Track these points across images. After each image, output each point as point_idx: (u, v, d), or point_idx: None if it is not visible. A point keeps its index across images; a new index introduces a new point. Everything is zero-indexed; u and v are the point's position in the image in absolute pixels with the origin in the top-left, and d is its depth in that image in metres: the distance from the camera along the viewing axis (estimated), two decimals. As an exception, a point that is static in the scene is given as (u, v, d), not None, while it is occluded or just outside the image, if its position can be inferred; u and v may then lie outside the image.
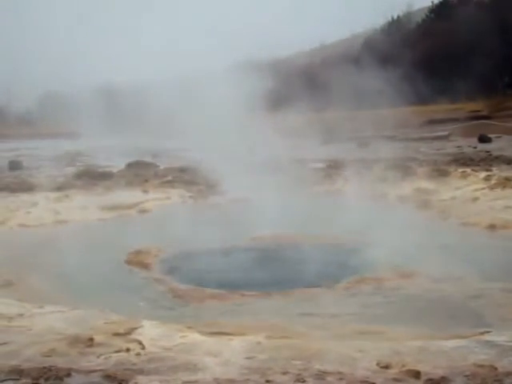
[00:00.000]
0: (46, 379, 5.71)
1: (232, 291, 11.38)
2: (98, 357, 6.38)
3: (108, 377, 5.78)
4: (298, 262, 13.23)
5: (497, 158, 27.26)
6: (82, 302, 10.09)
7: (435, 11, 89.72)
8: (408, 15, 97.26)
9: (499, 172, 21.86)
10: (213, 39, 24.86)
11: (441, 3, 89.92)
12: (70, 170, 28.50)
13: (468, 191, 20.40)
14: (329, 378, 5.74)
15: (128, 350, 6.60)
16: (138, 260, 13.93)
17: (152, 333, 7.28)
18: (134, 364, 6.17)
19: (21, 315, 8.17)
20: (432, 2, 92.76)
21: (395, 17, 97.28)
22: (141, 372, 5.93)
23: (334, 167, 25.24)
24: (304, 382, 5.66)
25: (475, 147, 36.14)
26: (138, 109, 22.42)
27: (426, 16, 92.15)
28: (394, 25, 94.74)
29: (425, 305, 10.28)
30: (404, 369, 5.89)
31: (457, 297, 10.57)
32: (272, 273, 12.65)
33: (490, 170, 22.44)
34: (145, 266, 13.46)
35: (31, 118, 32.12)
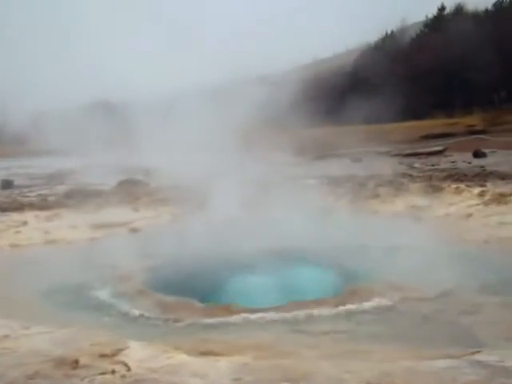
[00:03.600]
0: (28, 402, 5.62)
1: (220, 306, 11.30)
2: (83, 379, 6.26)
3: (91, 400, 5.69)
4: (287, 278, 13.12)
5: (491, 173, 27.21)
6: (67, 319, 10.04)
7: (430, 25, 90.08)
8: (402, 30, 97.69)
9: (493, 188, 21.77)
10: (204, 53, 24.88)
11: (435, 17, 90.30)
12: (61, 189, 28.51)
13: (462, 207, 20.30)
14: (315, 401, 5.64)
15: (113, 371, 6.49)
16: (126, 276, 13.84)
17: (138, 354, 7.16)
18: (119, 386, 6.06)
19: (6, 336, 8.04)
20: (426, 17, 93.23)
21: (389, 32, 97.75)
22: (125, 395, 5.83)
23: (326, 183, 25.18)
24: (290, 404, 5.57)
25: (470, 162, 36.16)
26: (129, 126, 22.39)
27: (421, 30, 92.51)
28: (388, 39, 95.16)
29: (417, 322, 10.21)
30: (392, 390, 5.78)
31: (449, 313, 10.49)
32: (260, 288, 12.53)
33: (485, 186, 22.36)
34: (134, 284, 13.34)
35: (24, 136, 32.09)
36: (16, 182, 34.66)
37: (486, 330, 9.40)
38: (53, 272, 14.08)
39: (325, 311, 10.92)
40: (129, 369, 6.57)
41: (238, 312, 11.00)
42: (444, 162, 38.50)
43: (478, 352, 7.22)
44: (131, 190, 26.04)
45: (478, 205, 20.10)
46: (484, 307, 10.65)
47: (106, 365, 6.69)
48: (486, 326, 9.60)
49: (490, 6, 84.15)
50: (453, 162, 37.84)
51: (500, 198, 20.01)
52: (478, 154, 40.17)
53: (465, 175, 26.98)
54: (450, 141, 54.29)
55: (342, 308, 11.07)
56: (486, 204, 19.94)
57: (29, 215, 21.21)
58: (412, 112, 70.79)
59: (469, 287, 11.85)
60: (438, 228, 17.98)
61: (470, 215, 19.23)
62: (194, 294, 12.18)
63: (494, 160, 36.12)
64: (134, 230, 20.09)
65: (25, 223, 20.35)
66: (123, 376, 6.34)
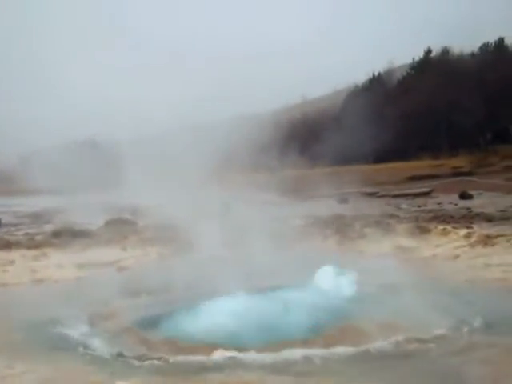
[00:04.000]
0: None
1: (205, 345, 11.23)
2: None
3: None
4: (273, 316, 13.04)
5: (477, 215, 27.41)
6: (52, 358, 9.99)
7: (416, 68, 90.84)
8: (389, 72, 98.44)
9: (480, 229, 21.93)
10: (192, 93, 24.95)
11: (422, 60, 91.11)
12: (49, 228, 28.49)
13: (449, 248, 20.39)
14: None
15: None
16: (112, 314, 13.79)
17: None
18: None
19: (-9, 376, 8.02)
20: (413, 59, 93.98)
21: (376, 73, 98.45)
22: None
23: (313, 224, 25.18)
24: None
25: (456, 204, 36.32)
26: (116, 164, 22.40)
27: (407, 73, 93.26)
28: (375, 81, 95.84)
29: (405, 362, 10.15)
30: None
31: (438, 354, 10.45)
32: (246, 327, 12.44)
33: (471, 228, 22.50)
34: (119, 322, 13.28)
35: (11, 174, 32.06)
36: (3, 221, 34.63)
37: (474, 372, 9.38)
38: (39, 311, 14.01)
39: (312, 352, 10.82)
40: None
41: (222, 351, 10.93)
42: (431, 204, 38.67)
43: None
44: (119, 229, 26.01)
45: (464, 246, 20.21)
46: (473, 348, 10.63)
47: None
48: (475, 368, 9.59)
49: (476, 50, 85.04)
50: (439, 204, 38.03)
51: (486, 240, 20.13)
52: (464, 196, 40.37)
53: (451, 217, 27.14)
54: (437, 182, 54.55)
55: (330, 349, 11.00)
56: (472, 246, 20.04)
57: (16, 254, 21.20)
58: (398, 153, 71.14)
59: (457, 328, 11.84)
60: (425, 269, 17.98)
61: (456, 256, 19.31)
62: (179, 332, 12.17)
63: (481, 202, 36.33)
64: (122, 269, 20.02)
65: (12, 262, 20.31)
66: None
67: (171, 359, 10.71)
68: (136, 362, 10.62)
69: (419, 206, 36.98)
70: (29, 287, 17.60)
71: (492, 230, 21.80)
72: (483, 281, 16.05)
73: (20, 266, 19.93)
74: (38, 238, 24.86)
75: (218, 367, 10.18)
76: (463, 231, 21.91)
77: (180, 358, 10.74)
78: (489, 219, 25.25)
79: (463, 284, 16.00)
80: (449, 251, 20.14)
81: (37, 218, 37.08)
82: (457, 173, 60.59)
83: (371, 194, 47.56)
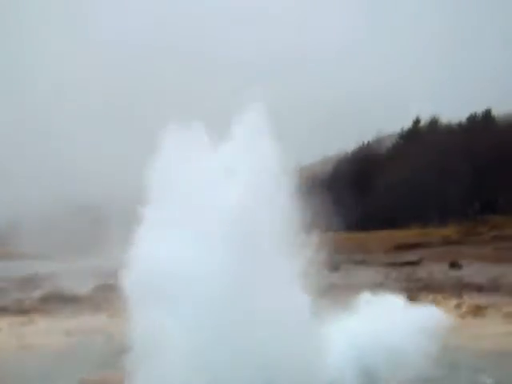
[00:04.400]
0: None
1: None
2: None
3: None
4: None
5: (467, 284, 27.38)
6: None
7: (405, 137, 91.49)
8: (378, 140, 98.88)
9: (470, 299, 21.88)
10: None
11: (410, 129, 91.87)
12: (37, 293, 28.30)
13: (439, 319, 20.30)
14: None
15: None
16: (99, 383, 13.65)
17: None
18: None
19: None
20: (402, 129, 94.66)
21: (365, 142, 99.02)
22: None
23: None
24: None
25: (446, 273, 36.28)
26: (107, 229, 22.41)
27: (396, 141, 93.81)
28: (365, 149, 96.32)
29: None
30: None
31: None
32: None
33: (461, 298, 22.46)
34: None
35: (1, 237, 32.04)
36: (-9, 285, 34.42)
37: None
38: (25, 378, 13.92)
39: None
40: None
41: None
42: (420, 273, 38.59)
43: None
44: (107, 294, 25.85)
45: (454, 317, 20.12)
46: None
47: None
48: None
49: (463, 120, 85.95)
50: (429, 273, 37.95)
51: (476, 311, 20.06)
52: (453, 265, 40.32)
53: (441, 286, 27.11)
54: (426, 251, 54.49)
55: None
56: (462, 316, 19.95)
57: (3, 321, 21.06)
58: (387, 221, 71.21)
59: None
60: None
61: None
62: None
63: (470, 271, 36.28)
64: (110, 336, 19.84)
65: (-1, 328, 20.22)
66: None
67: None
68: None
69: (408, 275, 36.88)
70: (15, 354, 17.45)
71: (482, 299, 21.78)
72: (475, 351, 15.98)
73: (7, 332, 19.79)
74: (26, 303, 24.71)
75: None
76: (453, 301, 21.86)
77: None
78: (478, 289, 25.26)
79: (455, 354, 15.92)
80: (439, 322, 20.07)
81: (26, 282, 36.77)
82: (446, 242, 60.45)
83: (359, 263, 47.35)
